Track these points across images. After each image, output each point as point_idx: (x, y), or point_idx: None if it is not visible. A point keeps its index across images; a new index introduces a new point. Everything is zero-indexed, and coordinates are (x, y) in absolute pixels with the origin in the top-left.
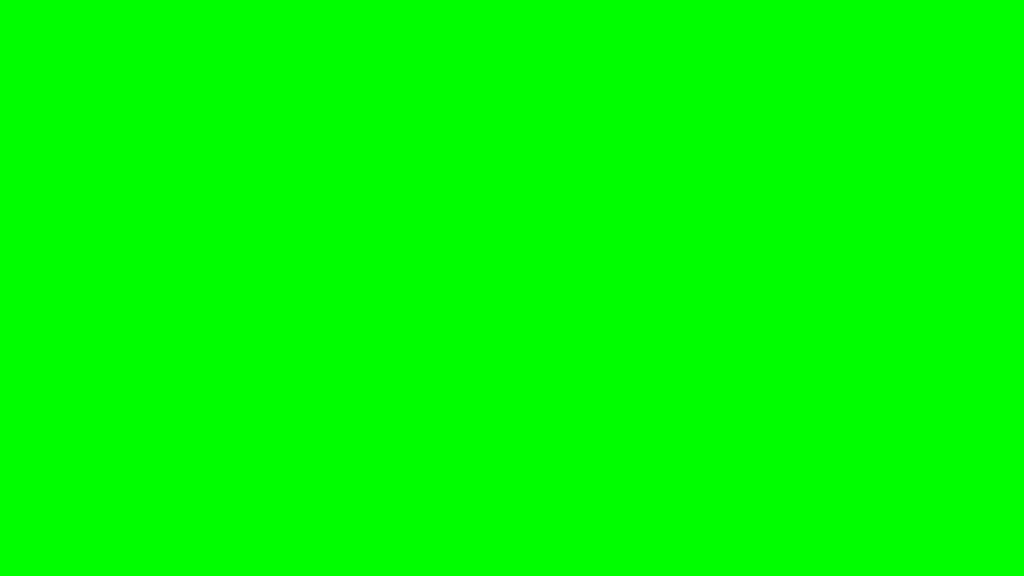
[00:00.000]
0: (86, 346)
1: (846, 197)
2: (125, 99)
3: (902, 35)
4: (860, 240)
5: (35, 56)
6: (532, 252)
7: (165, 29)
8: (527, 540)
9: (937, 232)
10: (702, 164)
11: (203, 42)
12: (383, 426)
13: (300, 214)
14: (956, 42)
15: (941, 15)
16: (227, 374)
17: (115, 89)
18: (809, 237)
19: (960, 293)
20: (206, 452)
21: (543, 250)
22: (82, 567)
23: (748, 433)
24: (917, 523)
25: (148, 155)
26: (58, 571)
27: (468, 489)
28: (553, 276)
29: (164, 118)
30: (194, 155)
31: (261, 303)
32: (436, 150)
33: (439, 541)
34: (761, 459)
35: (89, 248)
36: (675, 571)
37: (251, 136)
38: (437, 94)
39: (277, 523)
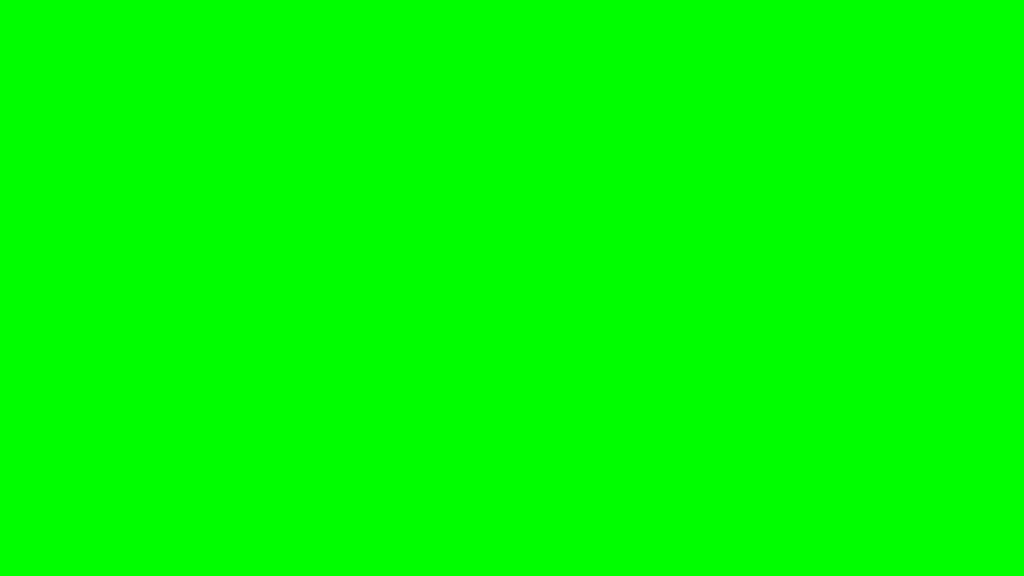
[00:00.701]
0: (86, 346)
1: (846, 197)
2: (125, 99)
3: (902, 35)
4: (860, 240)
5: (35, 56)
6: (532, 252)
7: (165, 29)
8: (526, 540)
9: (937, 232)
10: (702, 164)
11: (203, 42)
12: (383, 426)
13: (300, 214)
14: (956, 42)
15: (941, 15)
16: (227, 373)
17: (115, 89)
18: (809, 237)
19: (960, 293)
20: (206, 452)
21: (543, 250)
22: (82, 567)
23: (748, 433)
24: (917, 523)
25: (148, 155)
26: (58, 571)
27: (468, 489)
28: (553, 276)
29: (164, 118)
30: (194, 155)
31: (261, 303)
32: (436, 150)
33: (439, 541)
34: (761, 459)
35: (89, 248)
36: (675, 571)
37: (251, 136)
38: (437, 94)
39: (277, 523)
